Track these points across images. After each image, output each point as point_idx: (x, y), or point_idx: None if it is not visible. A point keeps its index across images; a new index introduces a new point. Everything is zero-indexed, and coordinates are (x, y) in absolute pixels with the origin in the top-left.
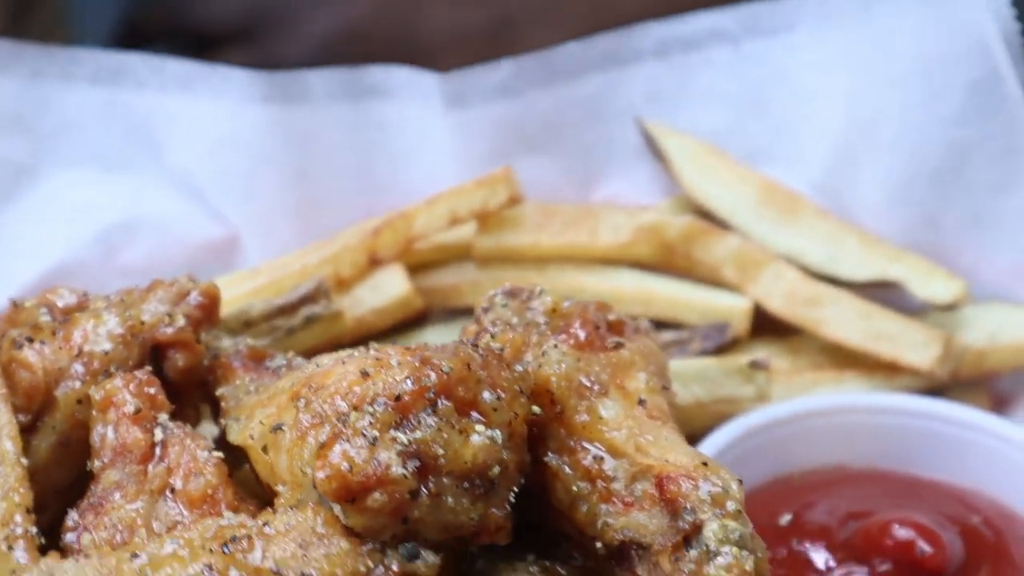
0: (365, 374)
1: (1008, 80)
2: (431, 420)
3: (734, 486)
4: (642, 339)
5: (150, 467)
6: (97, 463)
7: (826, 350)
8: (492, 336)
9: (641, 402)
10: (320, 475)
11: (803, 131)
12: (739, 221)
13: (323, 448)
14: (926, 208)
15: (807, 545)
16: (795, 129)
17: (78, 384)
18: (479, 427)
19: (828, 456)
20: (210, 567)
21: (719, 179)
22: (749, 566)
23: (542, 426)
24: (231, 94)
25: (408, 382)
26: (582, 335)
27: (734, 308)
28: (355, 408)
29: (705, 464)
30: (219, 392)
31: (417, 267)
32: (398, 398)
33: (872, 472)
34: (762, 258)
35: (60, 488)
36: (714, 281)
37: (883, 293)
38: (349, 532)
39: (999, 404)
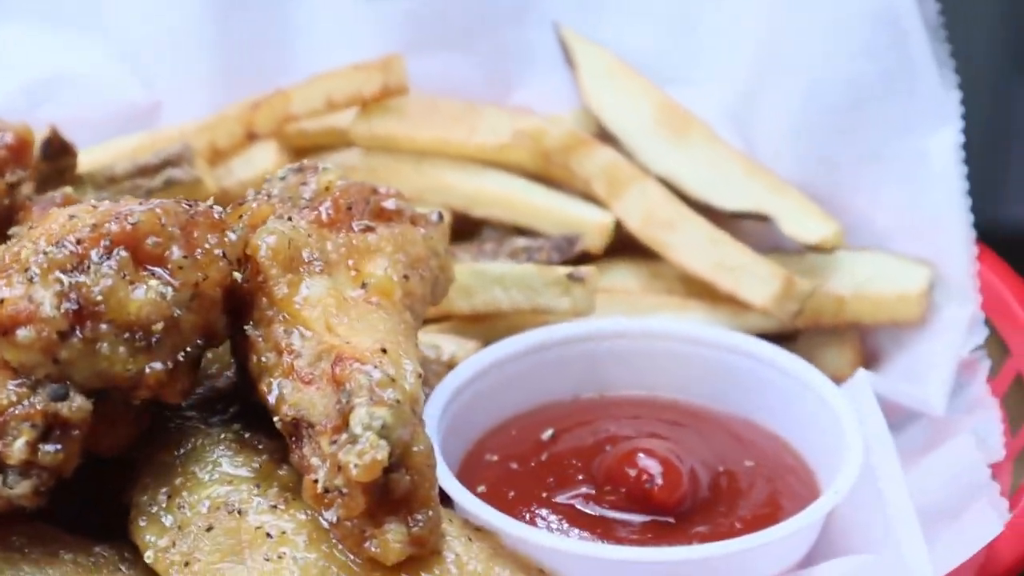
0: (72, 217)
1: (911, 15)
2: (104, 268)
3: (408, 377)
4: (409, 230)
5: None
6: None
7: (685, 280)
8: (241, 204)
9: (364, 286)
10: None
11: (724, 55)
12: (630, 137)
13: None
14: (824, 143)
15: (553, 462)
16: (717, 52)
17: None
18: (153, 282)
19: (628, 379)
20: None
21: (621, 93)
22: (381, 456)
23: (251, 295)
24: None
25: (89, 228)
26: (325, 214)
27: (591, 222)
28: (44, 250)
29: (384, 351)
30: (9, 231)
31: (306, 149)
32: (79, 242)
33: (660, 400)
34: (631, 175)
35: None
36: (588, 195)
37: (762, 230)
38: (7, 367)
39: (869, 359)
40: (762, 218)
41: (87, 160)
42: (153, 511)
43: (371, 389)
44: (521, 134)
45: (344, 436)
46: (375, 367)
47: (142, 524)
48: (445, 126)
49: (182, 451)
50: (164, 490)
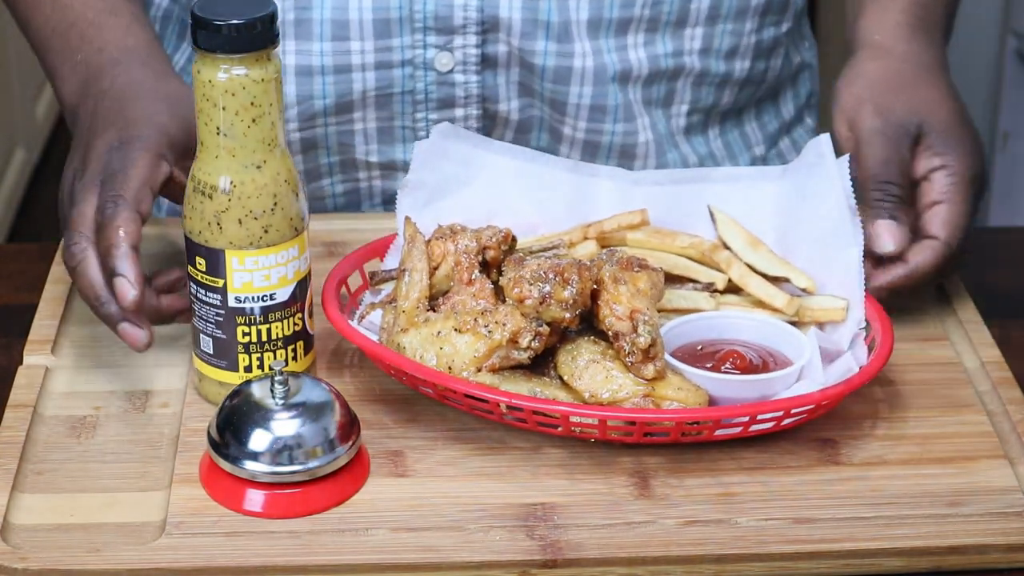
0: (538, 265)
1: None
2: (553, 279)
3: (655, 319)
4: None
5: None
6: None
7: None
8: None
9: (639, 290)
10: (512, 295)
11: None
12: (737, 249)
13: (514, 284)
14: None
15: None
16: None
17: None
18: (568, 287)
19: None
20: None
21: (731, 230)
22: (652, 336)
23: (595, 292)
24: None
25: (549, 266)
26: (624, 262)
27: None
28: (533, 271)
29: (647, 309)
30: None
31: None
32: (546, 271)
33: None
34: (733, 259)
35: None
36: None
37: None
38: (522, 315)
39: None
40: (786, 279)
41: None
42: (566, 364)
43: (645, 321)
44: (694, 243)
45: (635, 334)
46: (646, 313)
47: (564, 367)
48: (659, 236)
49: (568, 342)
50: (569, 357)
